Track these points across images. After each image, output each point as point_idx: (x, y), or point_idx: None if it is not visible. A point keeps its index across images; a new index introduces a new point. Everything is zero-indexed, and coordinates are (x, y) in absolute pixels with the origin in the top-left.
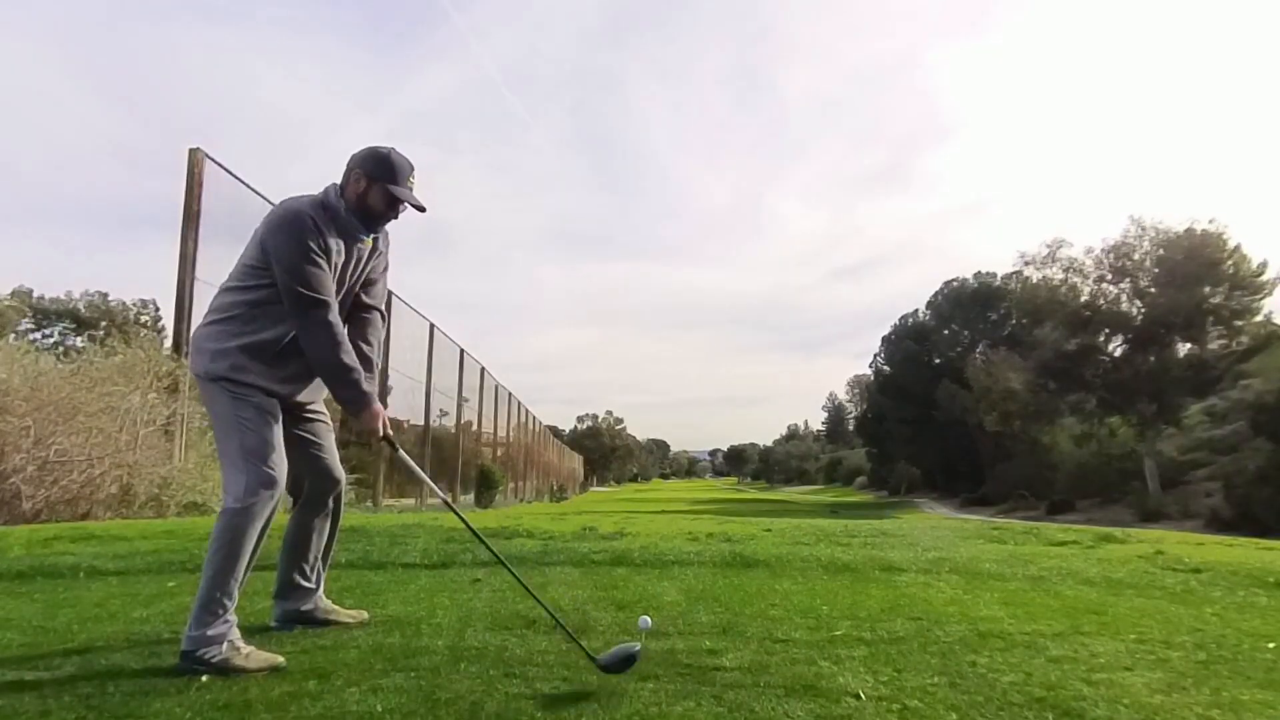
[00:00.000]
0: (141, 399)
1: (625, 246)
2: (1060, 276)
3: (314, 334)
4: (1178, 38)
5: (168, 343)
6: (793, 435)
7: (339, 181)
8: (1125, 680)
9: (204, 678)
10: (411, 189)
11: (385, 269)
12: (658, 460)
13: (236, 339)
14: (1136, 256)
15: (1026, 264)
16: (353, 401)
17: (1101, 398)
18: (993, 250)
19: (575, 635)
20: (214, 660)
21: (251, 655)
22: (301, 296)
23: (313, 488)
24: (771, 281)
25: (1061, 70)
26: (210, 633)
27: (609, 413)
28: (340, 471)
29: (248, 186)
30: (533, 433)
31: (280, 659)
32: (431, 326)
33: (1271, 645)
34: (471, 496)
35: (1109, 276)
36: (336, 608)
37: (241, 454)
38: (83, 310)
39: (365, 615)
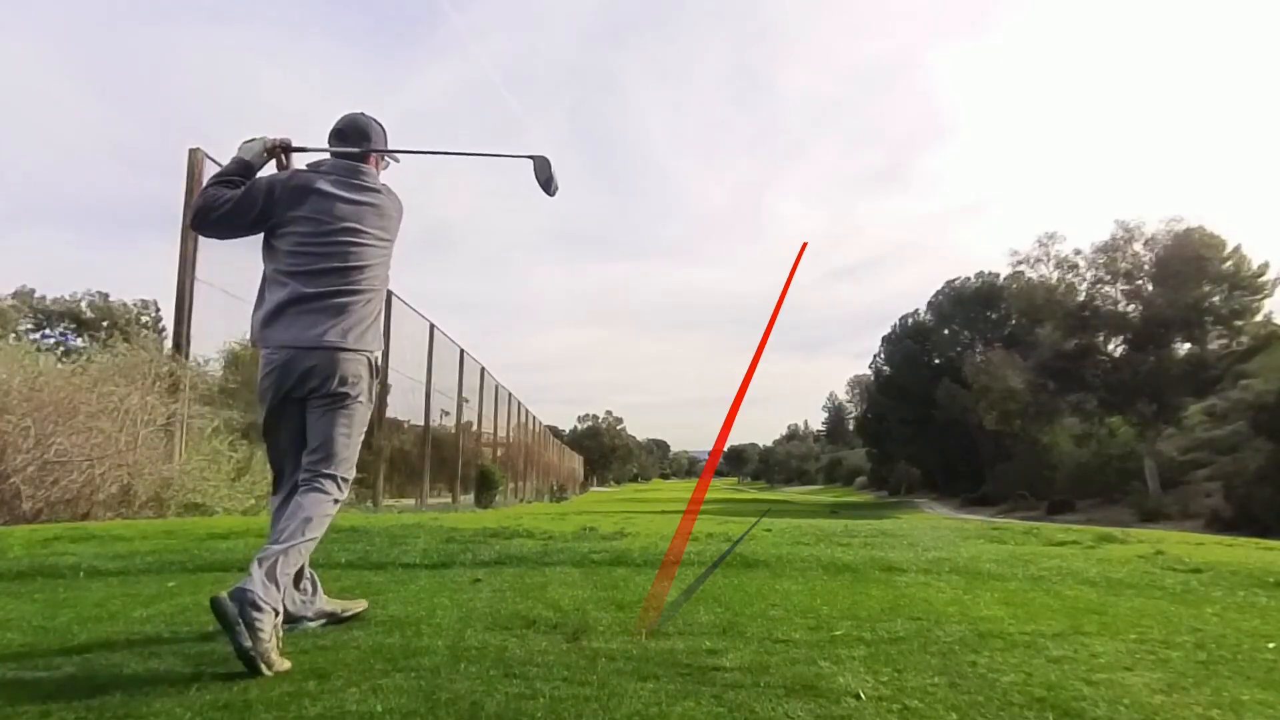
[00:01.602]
0: (141, 399)
1: (625, 246)
2: (1057, 276)
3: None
4: (1180, 37)
5: (168, 343)
6: (793, 435)
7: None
8: (1125, 680)
9: (203, 679)
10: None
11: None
12: (658, 460)
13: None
14: (1130, 254)
15: (1020, 262)
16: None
17: (1101, 398)
18: (993, 250)
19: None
20: (257, 626)
21: (281, 657)
22: None
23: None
24: (772, 281)
25: (1062, 70)
26: (277, 603)
27: (609, 413)
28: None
29: None
30: (533, 433)
31: (287, 664)
32: (431, 327)
33: (1272, 645)
34: (471, 497)
35: (1106, 277)
36: (325, 597)
37: None
38: (85, 311)
39: (364, 604)
